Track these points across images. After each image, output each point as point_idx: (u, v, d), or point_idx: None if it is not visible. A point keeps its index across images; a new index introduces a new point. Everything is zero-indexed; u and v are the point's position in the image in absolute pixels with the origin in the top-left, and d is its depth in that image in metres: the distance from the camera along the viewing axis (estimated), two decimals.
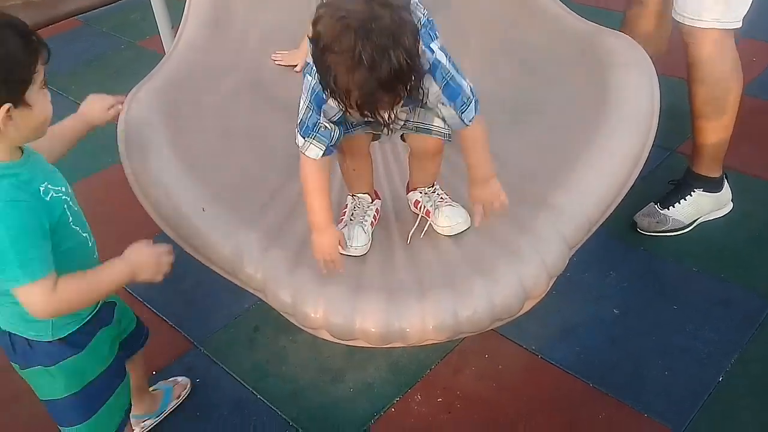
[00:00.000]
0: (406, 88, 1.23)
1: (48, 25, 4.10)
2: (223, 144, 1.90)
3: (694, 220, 2.23)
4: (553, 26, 2.08)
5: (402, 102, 1.27)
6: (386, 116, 1.27)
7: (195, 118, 1.88)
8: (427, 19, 1.41)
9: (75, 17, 4.20)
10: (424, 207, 1.64)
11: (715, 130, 2.13)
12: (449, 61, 1.37)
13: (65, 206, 1.30)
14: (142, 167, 1.65)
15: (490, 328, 1.47)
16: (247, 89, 2.18)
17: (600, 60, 1.80)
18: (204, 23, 2.22)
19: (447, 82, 1.35)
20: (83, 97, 3.38)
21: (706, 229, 2.24)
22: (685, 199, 2.21)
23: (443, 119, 1.46)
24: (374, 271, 1.53)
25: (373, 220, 1.65)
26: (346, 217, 1.64)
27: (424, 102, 1.36)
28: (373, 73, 1.17)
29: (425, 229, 1.62)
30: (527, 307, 1.49)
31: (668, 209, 2.21)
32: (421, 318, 1.41)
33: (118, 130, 1.76)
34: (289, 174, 1.97)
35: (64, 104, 3.29)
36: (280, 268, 1.50)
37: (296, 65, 2.32)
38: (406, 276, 1.50)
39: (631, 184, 1.66)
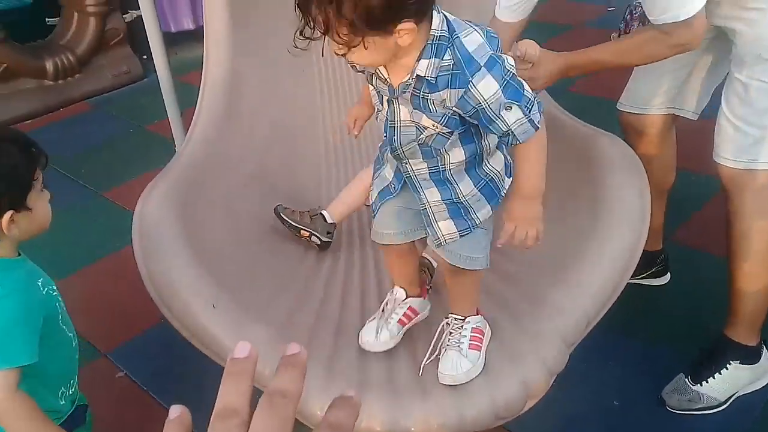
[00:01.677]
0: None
1: (59, 109, 4.25)
2: (232, 237, 1.97)
3: (731, 396, 2.00)
4: (553, 129, 2.18)
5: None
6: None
7: (206, 212, 1.95)
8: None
9: (86, 101, 4.35)
10: (442, 340, 1.54)
11: (758, 293, 1.92)
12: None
13: (57, 303, 1.40)
14: (153, 263, 1.71)
15: (494, 426, 1.51)
16: (255, 180, 2.26)
17: (593, 161, 1.89)
18: (215, 118, 2.32)
19: (507, 81, 1.20)
20: (92, 181, 3.51)
21: (703, 319, 2.28)
22: (720, 373, 1.97)
23: (506, 135, 1.25)
24: (380, 368, 1.57)
25: (404, 318, 1.61)
26: (379, 309, 1.65)
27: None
28: None
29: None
30: (529, 405, 1.53)
31: (701, 385, 1.97)
32: (425, 418, 1.44)
33: (132, 225, 1.82)
34: (298, 262, 2.04)
35: (73, 188, 3.42)
36: None
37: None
38: (410, 374, 1.53)
39: (627, 279, 1.73)
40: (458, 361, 1.47)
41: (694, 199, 2.85)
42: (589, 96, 3.83)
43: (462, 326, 1.53)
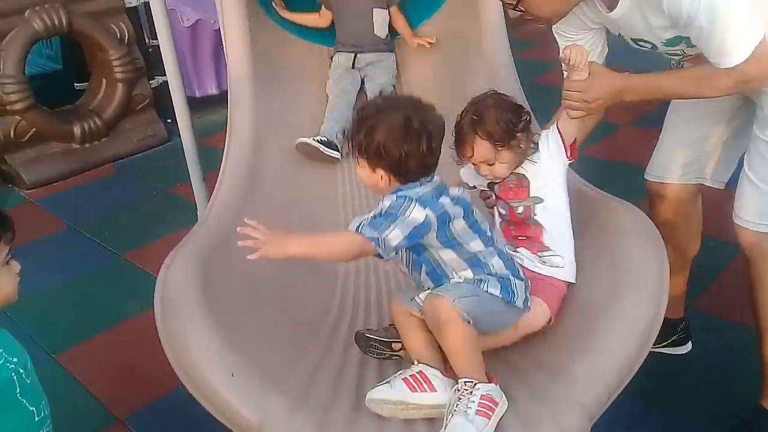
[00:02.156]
0: None
1: (85, 171, 4.36)
2: (252, 303, 1.99)
3: None
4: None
5: None
6: None
7: (227, 279, 1.97)
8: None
9: (111, 164, 4.46)
10: (450, 405, 1.52)
11: None
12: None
13: (14, 375, 1.35)
14: (174, 331, 1.73)
15: None
16: None
17: (610, 230, 1.90)
18: (238, 186, 2.37)
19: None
20: (114, 243, 3.56)
21: (726, 389, 2.24)
22: None
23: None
24: None
25: (412, 381, 1.61)
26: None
27: None
28: None
29: None
30: None
31: None
32: None
33: (155, 292, 1.85)
34: (316, 331, 2.05)
35: (95, 250, 3.47)
36: None
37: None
38: None
39: (648, 350, 1.71)
40: (464, 427, 1.44)
41: (714, 266, 2.83)
42: (605, 161, 3.86)
43: (471, 391, 1.51)
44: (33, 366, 1.42)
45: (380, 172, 1.58)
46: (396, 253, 1.59)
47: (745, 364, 2.33)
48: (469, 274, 1.66)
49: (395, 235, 1.49)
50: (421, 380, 1.58)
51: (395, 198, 1.54)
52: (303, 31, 3.15)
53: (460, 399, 1.51)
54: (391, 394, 1.56)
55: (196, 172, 3.31)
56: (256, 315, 1.98)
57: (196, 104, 4.58)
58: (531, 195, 1.84)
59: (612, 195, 2.11)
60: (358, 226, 1.51)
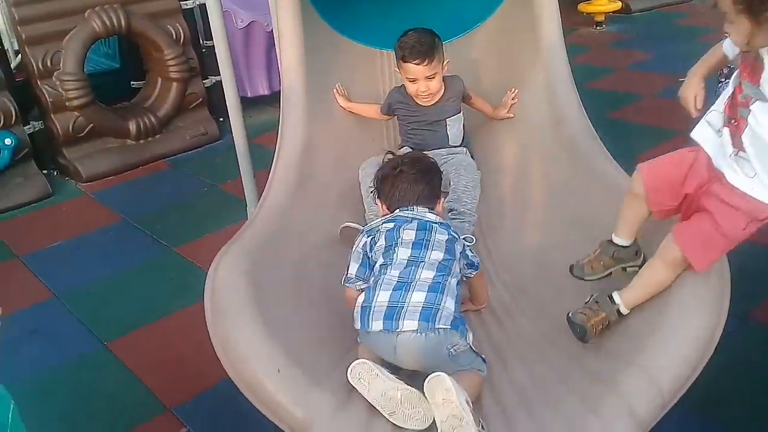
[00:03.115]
0: None
1: (138, 167, 4.46)
2: (299, 303, 2.01)
3: None
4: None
5: None
6: None
7: (275, 278, 1.99)
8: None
9: (164, 160, 4.55)
10: None
11: None
12: None
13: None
14: (223, 326, 1.75)
15: None
16: (323, 250, 2.31)
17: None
18: (288, 187, 2.39)
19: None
20: (166, 237, 3.64)
21: None
22: None
23: None
24: None
25: None
26: None
27: None
28: None
29: None
30: None
31: None
32: None
33: (205, 288, 1.87)
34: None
35: (147, 242, 3.55)
36: None
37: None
38: None
39: (705, 361, 1.66)
40: None
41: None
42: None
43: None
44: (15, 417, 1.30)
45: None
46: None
47: None
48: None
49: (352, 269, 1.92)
50: None
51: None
52: (355, 32, 3.12)
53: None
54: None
55: (247, 169, 3.35)
56: (303, 314, 1.99)
57: (247, 104, 4.64)
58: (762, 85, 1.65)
59: None
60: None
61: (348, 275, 1.92)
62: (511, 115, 2.75)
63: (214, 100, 4.78)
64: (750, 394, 2.21)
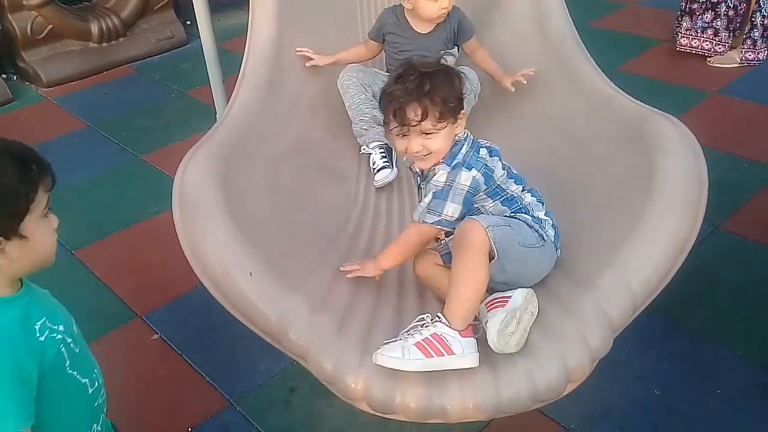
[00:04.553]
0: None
1: (103, 72, 4.28)
2: (272, 207, 1.95)
3: None
4: (600, 105, 2.11)
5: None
6: None
7: (247, 181, 1.93)
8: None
9: (129, 65, 4.36)
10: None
11: None
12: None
13: (62, 347, 1.16)
14: (193, 229, 1.70)
15: (531, 409, 1.47)
16: (297, 153, 2.24)
17: (648, 143, 1.81)
18: (259, 86, 2.29)
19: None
20: (133, 144, 3.54)
21: (749, 311, 2.20)
22: None
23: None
24: None
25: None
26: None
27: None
28: None
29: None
30: (569, 389, 1.48)
31: None
32: (461, 396, 1.41)
33: (173, 191, 1.80)
34: (335, 236, 2.02)
35: (114, 149, 3.44)
36: (324, 336, 1.52)
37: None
38: None
39: (678, 266, 1.66)
40: (392, 350, 1.41)
41: (746, 188, 2.74)
42: (639, 76, 3.71)
43: (428, 325, 1.46)
44: (78, 328, 1.24)
45: (461, 120, 1.65)
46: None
47: None
48: (505, 212, 1.65)
49: (453, 209, 1.60)
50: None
51: (448, 172, 1.62)
52: None
53: (414, 326, 1.47)
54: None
55: (216, 75, 3.22)
56: (276, 218, 1.94)
57: (216, 6, 4.42)
58: None
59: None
60: (420, 216, 1.64)
61: (443, 217, 1.60)
62: (522, 80, 2.35)
63: (181, 1, 4.56)
64: (716, 301, 2.26)
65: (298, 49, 2.51)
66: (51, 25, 4.09)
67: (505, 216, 1.63)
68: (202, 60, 3.22)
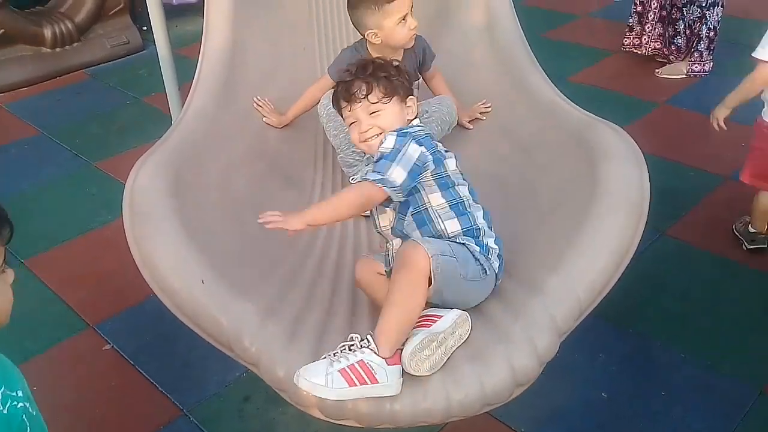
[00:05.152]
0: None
1: (56, 77, 4.20)
2: (225, 212, 1.94)
3: None
4: (547, 113, 2.17)
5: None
6: None
7: (200, 187, 1.92)
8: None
9: (83, 70, 4.30)
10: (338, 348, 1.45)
11: None
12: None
13: (24, 416, 1.05)
14: (144, 237, 1.68)
15: (481, 412, 1.49)
16: (251, 158, 2.24)
17: (591, 150, 1.87)
18: (213, 90, 2.28)
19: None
20: (86, 152, 3.48)
21: (693, 313, 2.28)
22: None
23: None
24: None
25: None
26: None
27: None
28: None
29: None
30: (517, 392, 1.51)
31: None
32: (412, 400, 1.42)
33: (123, 198, 1.79)
34: (290, 243, 2.02)
35: (66, 157, 3.38)
36: (276, 344, 1.51)
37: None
38: None
39: (622, 270, 1.71)
40: (316, 373, 1.36)
41: (691, 195, 2.84)
42: (591, 87, 3.81)
43: (356, 350, 1.40)
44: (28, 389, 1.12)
45: (411, 105, 1.69)
46: (402, 195, 1.57)
47: (716, 293, 2.37)
48: (455, 225, 1.59)
49: (398, 173, 1.53)
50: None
51: (395, 137, 1.57)
52: None
53: (342, 349, 1.41)
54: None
55: (171, 81, 3.19)
56: (228, 225, 1.93)
57: (172, 12, 4.39)
58: None
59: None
60: (362, 175, 1.57)
61: (387, 176, 1.52)
62: (471, 127, 2.39)
63: (137, 6, 4.50)
64: (661, 305, 2.33)
65: (255, 99, 2.40)
66: (3, 30, 4.01)
67: (455, 241, 1.57)
68: (157, 66, 3.19)
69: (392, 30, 2.19)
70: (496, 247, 1.63)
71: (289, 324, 1.58)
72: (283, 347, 1.52)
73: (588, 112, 2.09)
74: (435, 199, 1.60)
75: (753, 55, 2.22)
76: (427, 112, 2.24)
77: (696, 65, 3.84)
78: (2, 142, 3.52)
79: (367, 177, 1.54)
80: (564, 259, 1.61)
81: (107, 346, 2.24)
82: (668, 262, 2.50)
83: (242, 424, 1.96)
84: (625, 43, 4.06)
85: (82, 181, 3.18)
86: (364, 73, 1.67)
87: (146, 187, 1.79)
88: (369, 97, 1.65)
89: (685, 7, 3.74)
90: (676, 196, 2.79)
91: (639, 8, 3.94)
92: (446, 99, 2.34)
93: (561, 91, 2.29)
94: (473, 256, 1.56)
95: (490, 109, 2.39)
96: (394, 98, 1.66)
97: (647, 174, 1.81)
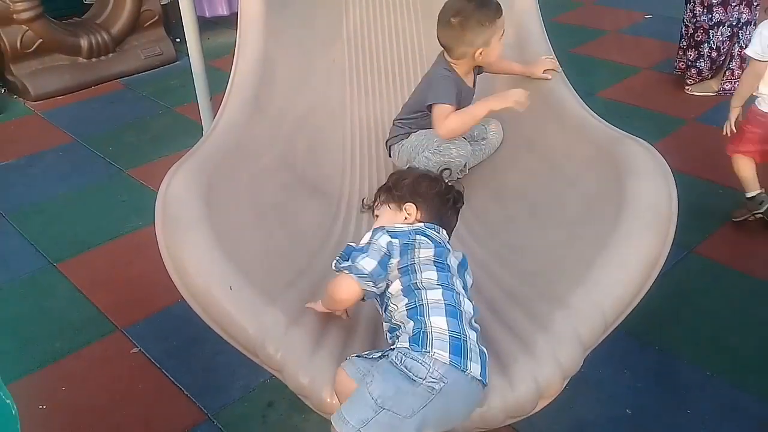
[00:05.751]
0: None
1: (91, 87, 4.30)
2: (254, 221, 1.98)
3: None
4: (575, 128, 2.17)
5: None
6: None
7: (230, 196, 1.96)
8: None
9: (118, 80, 4.39)
10: None
11: None
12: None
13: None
14: (175, 243, 1.72)
15: (504, 424, 1.50)
16: (281, 168, 2.27)
17: (618, 165, 1.86)
18: (245, 101, 2.33)
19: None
20: (119, 159, 3.55)
21: (720, 332, 2.25)
22: None
23: None
24: None
25: None
26: None
27: None
28: None
29: None
30: (540, 405, 1.51)
31: None
32: None
33: (156, 204, 1.83)
34: (316, 252, 2.05)
35: (99, 164, 3.46)
36: (300, 350, 1.54)
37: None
38: None
39: (648, 286, 1.70)
40: None
41: (721, 212, 2.81)
42: (619, 102, 3.79)
43: None
44: None
45: (408, 211, 1.67)
46: (381, 288, 1.51)
47: (744, 312, 2.34)
48: (409, 328, 1.42)
49: (368, 263, 1.49)
50: None
51: (371, 233, 1.58)
52: None
53: None
54: None
55: (204, 92, 3.26)
56: (257, 234, 1.97)
57: (205, 25, 4.49)
58: None
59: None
60: (335, 264, 1.56)
61: (355, 264, 1.49)
62: (550, 77, 2.42)
63: (171, 19, 4.61)
64: (688, 322, 2.30)
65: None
66: (41, 40, 4.12)
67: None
68: (190, 77, 3.27)
69: (496, 46, 2.26)
70: (446, 328, 1.39)
71: (314, 332, 1.61)
72: (308, 354, 1.54)
73: (616, 128, 2.09)
74: (395, 279, 1.51)
75: (745, 51, 2.60)
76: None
77: (727, 83, 3.81)
78: (38, 148, 3.61)
79: (338, 266, 1.53)
80: (590, 273, 1.61)
81: (135, 349, 2.28)
82: (695, 279, 2.47)
83: (265, 429, 1.98)
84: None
85: (115, 188, 3.24)
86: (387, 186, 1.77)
87: (179, 194, 1.83)
88: (375, 204, 1.78)
89: (712, 29, 3.71)
90: (704, 214, 2.76)
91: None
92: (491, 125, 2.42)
93: (590, 107, 2.30)
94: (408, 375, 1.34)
95: (554, 60, 2.44)
96: (388, 205, 1.72)
97: (675, 190, 1.80)
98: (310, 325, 1.62)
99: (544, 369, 1.46)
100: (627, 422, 1.95)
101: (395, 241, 1.54)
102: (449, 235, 1.69)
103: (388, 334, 1.52)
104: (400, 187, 1.72)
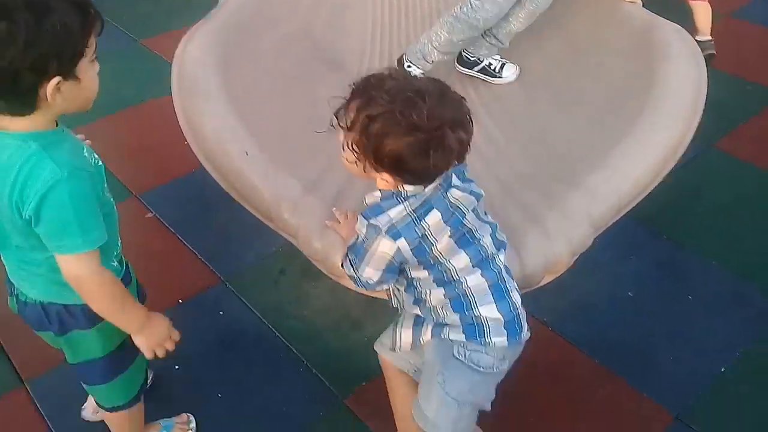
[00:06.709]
0: None
1: None
2: (271, 90, 1.95)
3: None
4: (606, 12, 2.08)
5: None
6: None
7: (247, 63, 1.93)
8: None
9: None
10: None
11: None
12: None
13: (103, 171, 1.28)
14: (191, 105, 1.71)
15: None
16: (299, 40, 2.22)
17: (650, 50, 1.81)
18: None
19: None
20: (132, 29, 3.46)
21: (732, 226, 2.26)
22: None
23: None
24: None
25: None
26: None
27: None
28: None
29: None
30: (547, 279, 1.54)
31: None
32: None
33: (172, 67, 1.80)
34: (332, 132, 2.02)
35: (112, 32, 3.38)
36: (315, 216, 1.56)
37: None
38: None
39: (666, 173, 1.69)
40: None
41: (748, 109, 2.75)
42: None
43: None
44: None
45: (385, 180, 1.23)
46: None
47: (758, 207, 2.34)
48: (455, 319, 1.33)
49: (370, 274, 1.28)
50: None
51: (365, 228, 1.24)
52: None
53: None
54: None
55: None
56: (274, 102, 1.95)
57: None
58: None
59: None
60: (342, 261, 1.37)
61: (359, 275, 1.29)
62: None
63: None
64: (702, 215, 2.31)
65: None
66: None
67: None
68: None
69: None
70: (500, 316, 1.31)
71: (330, 198, 1.62)
72: (321, 219, 1.56)
73: (648, 11, 2.01)
74: (421, 273, 1.30)
75: None
76: None
77: None
78: None
79: (345, 268, 1.34)
80: (609, 157, 1.59)
81: (150, 214, 2.32)
82: (713, 173, 2.45)
83: (278, 293, 2.05)
84: None
85: (128, 57, 3.20)
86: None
87: (195, 57, 1.81)
88: (344, 132, 1.32)
89: None
90: (730, 110, 2.70)
91: None
92: None
93: None
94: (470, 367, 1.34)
95: None
96: (358, 160, 1.26)
97: (705, 79, 1.75)
98: (326, 193, 1.63)
99: (553, 244, 1.48)
100: (627, 303, 2.00)
101: (402, 245, 1.21)
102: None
103: (406, 295, 1.38)
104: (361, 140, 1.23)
